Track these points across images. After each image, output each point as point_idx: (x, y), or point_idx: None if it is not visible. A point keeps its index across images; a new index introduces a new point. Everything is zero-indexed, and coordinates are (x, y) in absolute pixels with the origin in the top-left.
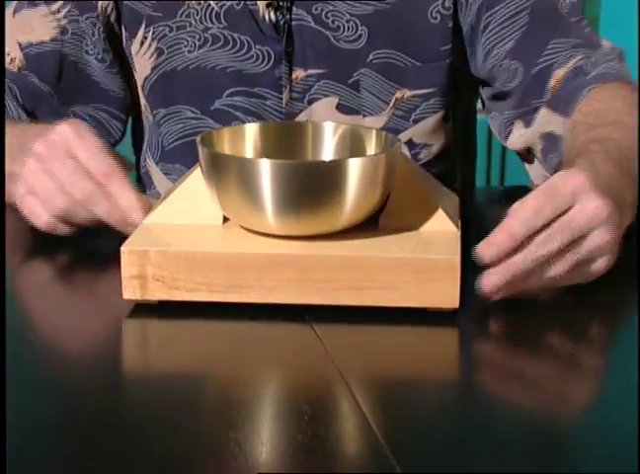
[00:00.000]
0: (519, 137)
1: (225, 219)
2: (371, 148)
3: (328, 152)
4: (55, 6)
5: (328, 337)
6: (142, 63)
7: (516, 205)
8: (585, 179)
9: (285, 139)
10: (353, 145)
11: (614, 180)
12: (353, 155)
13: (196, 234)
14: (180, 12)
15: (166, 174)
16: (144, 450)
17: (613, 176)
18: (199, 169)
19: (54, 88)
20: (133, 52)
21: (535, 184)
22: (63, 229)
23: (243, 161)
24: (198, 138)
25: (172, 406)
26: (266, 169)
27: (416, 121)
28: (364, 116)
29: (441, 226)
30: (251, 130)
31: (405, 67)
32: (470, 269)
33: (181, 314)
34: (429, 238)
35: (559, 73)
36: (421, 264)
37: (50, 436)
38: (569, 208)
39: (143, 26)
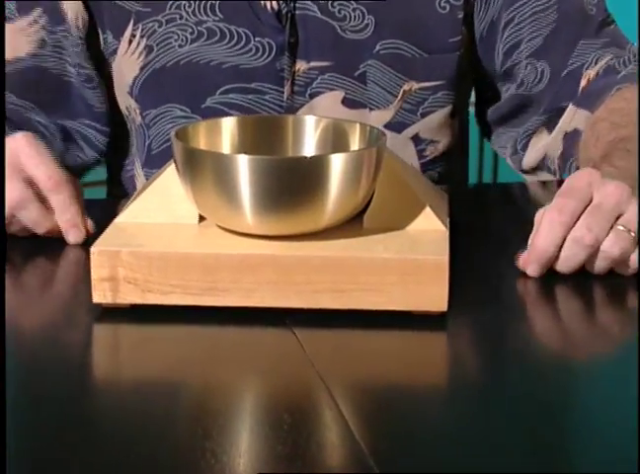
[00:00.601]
0: (537, 150)
1: (201, 218)
2: (355, 143)
3: (309, 147)
4: (33, 16)
5: (309, 342)
6: (130, 63)
7: (539, 216)
8: (596, 172)
9: (265, 134)
10: (335, 140)
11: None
12: (335, 150)
13: (170, 234)
14: (169, 4)
15: (147, 176)
16: (114, 461)
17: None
18: (173, 165)
19: (37, 103)
20: (120, 53)
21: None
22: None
23: (219, 156)
24: (172, 132)
25: (144, 415)
26: (243, 165)
27: (423, 115)
28: (371, 109)
29: (429, 225)
30: (229, 124)
31: (413, 58)
32: (459, 269)
33: (154, 318)
34: (416, 237)
35: (590, 73)
36: (407, 264)
37: (15, 447)
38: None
39: (131, 23)
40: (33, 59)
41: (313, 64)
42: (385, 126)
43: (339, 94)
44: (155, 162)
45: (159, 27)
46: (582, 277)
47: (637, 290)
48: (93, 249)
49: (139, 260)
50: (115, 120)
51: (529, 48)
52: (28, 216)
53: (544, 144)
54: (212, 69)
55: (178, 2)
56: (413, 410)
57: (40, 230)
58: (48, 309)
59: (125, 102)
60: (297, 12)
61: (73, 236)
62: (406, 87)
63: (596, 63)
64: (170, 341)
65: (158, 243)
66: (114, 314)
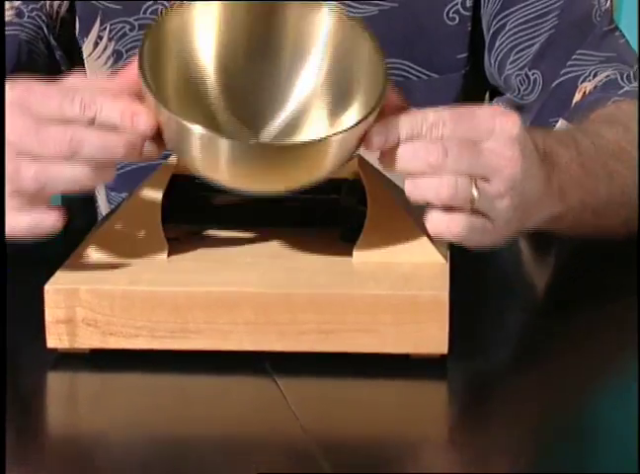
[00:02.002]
0: None
1: (171, 252)
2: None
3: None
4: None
5: (292, 390)
6: (96, 69)
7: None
8: (519, 130)
9: (248, 25)
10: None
11: (563, 161)
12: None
13: (135, 269)
14: (144, 8)
15: (110, 203)
16: None
17: (565, 160)
18: (140, 192)
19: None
20: (85, 55)
21: None
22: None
23: (196, 134)
24: (142, 37)
25: None
26: (224, 149)
27: None
28: None
29: (427, 257)
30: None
31: (414, 81)
32: (461, 307)
33: (117, 365)
34: (412, 271)
35: (587, 87)
36: (402, 302)
37: None
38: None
39: (98, 22)
40: (9, 28)
41: None
42: None
43: None
44: (122, 184)
45: (130, 30)
46: (593, 316)
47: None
48: (47, 287)
49: (100, 299)
50: None
51: (524, 57)
52: (92, 148)
53: None
54: None
55: (155, 6)
56: (410, 470)
57: (118, 151)
58: None
59: None
60: None
61: (143, 123)
62: None
63: (594, 76)
64: (135, 391)
65: (122, 279)
66: (71, 360)
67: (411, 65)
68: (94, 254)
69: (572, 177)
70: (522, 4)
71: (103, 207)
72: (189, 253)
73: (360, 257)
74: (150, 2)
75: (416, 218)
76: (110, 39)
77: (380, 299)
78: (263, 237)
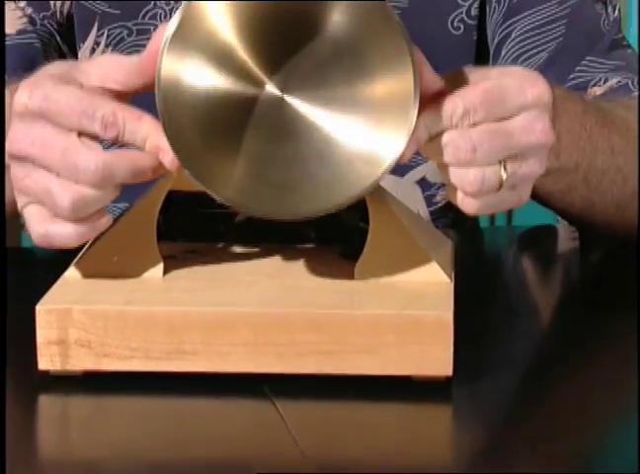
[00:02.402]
0: None
1: (166, 270)
2: None
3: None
4: (22, 3)
5: (291, 413)
6: None
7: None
8: (549, 98)
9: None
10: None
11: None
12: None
13: (130, 288)
14: (143, 12)
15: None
16: None
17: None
18: (136, 208)
19: None
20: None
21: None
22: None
23: None
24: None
25: None
26: None
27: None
28: None
29: (431, 276)
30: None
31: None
32: (466, 327)
33: (111, 388)
34: (415, 291)
35: (597, 91)
36: (405, 322)
37: None
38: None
39: (95, 28)
40: (19, 37)
41: None
42: None
43: None
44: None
45: (128, 35)
46: (599, 339)
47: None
48: (39, 307)
49: (94, 319)
50: None
51: (532, 65)
52: (124, 175)
53: None
54: None
55: (154, 10)
56: None
57: (147, 174)
58: None
59: None
60: None
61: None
62: None
63: (604, 82)
64: (129, 415)
65: (116, 299)
66: (63, 383)
67: None
68: (87, 272)
69: (571, 134)
70: (528, 12)
71: None
72: (185, 271)
73: (362, 275)
74: (149, 6)
75: (420, 236)
76: (107, 45)
77: (383, 319)
78: (261, 254)
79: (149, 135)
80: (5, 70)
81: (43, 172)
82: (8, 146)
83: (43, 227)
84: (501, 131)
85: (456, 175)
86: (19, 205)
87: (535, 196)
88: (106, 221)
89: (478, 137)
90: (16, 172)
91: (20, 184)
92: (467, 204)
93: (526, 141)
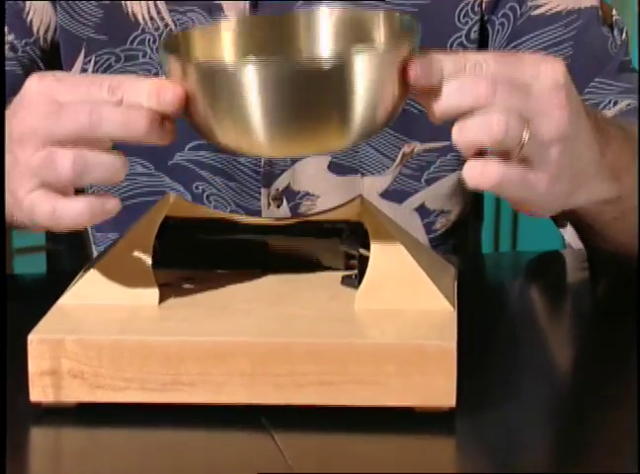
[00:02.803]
0: None
1: (162, 298)
2: (380, 35)
3: (328, 46)
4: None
5: (290, 446)
6: None
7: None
8: (564, 79)
9: (272, 36)
10: (356, 34)
11: (615, 141)
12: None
13: (124, 317)
14: (131, 37)
15: (96, 245)
16: None
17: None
18: (130, 234)
19: None
20: None
21: (572, 246)
22: (98, 160)
23: (220, 68)
24: (161, 44)
25: None
26: (251, 75)
27: (429, 182)
28: (363, 175)
29: (434, 304)
30: (229, 28)
31: (416, 114)
32: (470, 357)
33: (105, 420)
34: (418, 319)
35: (607, 114)
36: (408, 351)
37: None
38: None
39: (82, 54)
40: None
41: None
42: (382, 196)
43: (324, 158)
44: (109, 224)
45: (116, 61)
46: (604, 372)
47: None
48: (31, 337)
49: (87, 349)
50: None
51: None
52: (111, 121)
53: None
54: (180, 120)
55: (142, 36)
56: None
57: (140, 128)
58: None
59: None
60: None
61: (170, 95)
62: (406, 149)
63: (614, 105)
64: (124, 447)
65: (110, 328)
66: (56, 415)
67: (412, 97)
68: (80, 301)
69: (625, 157)
70: (534, 33)
71: (89, 250)
72: (181, 299)
73: (363, 303)
74: (137, 32)
75: (422, 262)
76: (94, 72)
77: (384, 349)
78: (259, 282)
79: (151, 84)
80: (5, 70)
81: (48, 143)
82: (14, 131)
83: (51, 205)
84: (518, 85)
85: (478, 122)
86: (21, 195)
87: (587, 226)
88: (115, 203)
89: (499, 78)
90: (18, 156)
91: (22, 168)
92: (489, 172)
93: (544, 106)
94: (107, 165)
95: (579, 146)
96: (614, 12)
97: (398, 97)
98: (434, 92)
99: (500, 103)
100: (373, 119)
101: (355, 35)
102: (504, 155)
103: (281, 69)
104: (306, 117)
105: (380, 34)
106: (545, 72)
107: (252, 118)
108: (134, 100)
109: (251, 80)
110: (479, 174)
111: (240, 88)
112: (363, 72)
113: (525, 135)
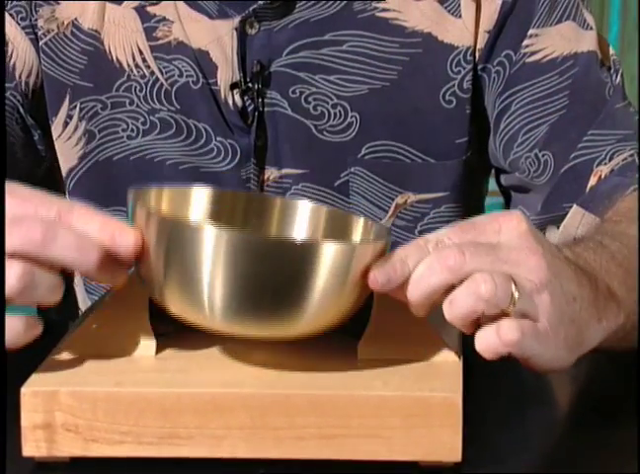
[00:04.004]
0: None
1: (159, 349)
2: (355, 237)
3: (298, 236)
4: None
5: None
6: (67, 151)
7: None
8: (527, 225)
9: (243, 214)
10: (331, 231)
11: (599, 267)
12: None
13: (120, 368)
14: (117, 84)
15: (89, 293)
16: None
17: (601, 265)
18: (127, 283)
19: None
20: (55, 136)
21: None
22: (43, 279)
23: (190, 228)
24: (129, 192)
25: None
26: (221, 242)
27: (423, 234)
28: None
29: (438, 355)
30: (200, 195)
31: (409, 164)
32: (476, 409)
33: None
34: (422, 370)
35: (603, 171)
36: (412, 404)
37: None
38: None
39: (67, 101)
40: None
41: (285, 172)
42: None
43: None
44: None
45: (102, 109)
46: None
47: None
48: (24, 389)
49: (81, 402)
50: None
51: (532, 139)
52: (65, 244)
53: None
54: (169, 169)
55: (128, 83)
56: None
57: (91, 256)
58: None
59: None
60: (266, 109)
61: (126, 240)
62: (400, 200)
63: (610, 159)
64: None
65: (105, 380)
66: (49, 470)
67: (405, 148)
68: (75, 352)
69: (617, 278)
70: (529, 82)
71: (81, 299)
72: (179, 350)
73: (366, 353)
74: (123, 79)
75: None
76: (80, 119)
77: (387, 401)
78: None
79: (105, 220)
80: (5, 73)
81: None
82: None
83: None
84: (485, 244)
85: (464, 290)
86: None
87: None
88: (23, 327)
89: (462, 244)
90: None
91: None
92: (505, 333)
93: (516, 256)
94: (51, 284)
95: (566, 284)
96: (612, 52)
97: (357, 296)
98: (406, 285)
99: (475, 266)
100: (326, 314)
101: (327, 231)
102: (500, 316)
103: (245, 242)
104: (258, 296)
105: (354, 235)
106: (506, 224)
107: (203, 284)
108: (83, 229)
109: (213, 245)
110: (496, 339)
111: (199, 250)
112: (324, 263)
113: (514, 289)
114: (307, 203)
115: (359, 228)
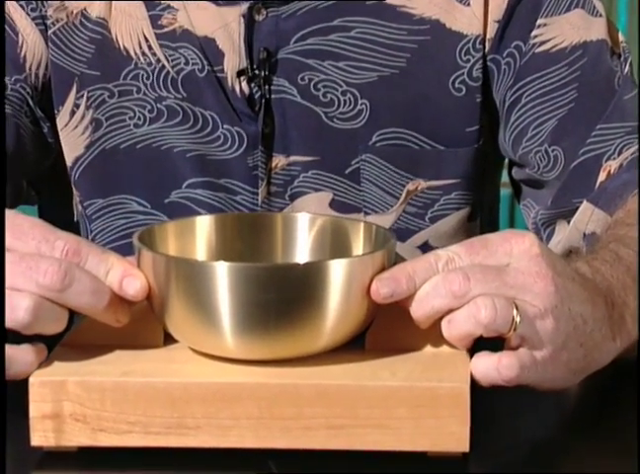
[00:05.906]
0: (557, 243)
1: (167, 338)
2: (358, 245)
3: (303, 252)
4: None
5: None
6: (73, 140)
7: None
8: (539, 248)
9: (248, 236)
10: (334, 242)
11: (616, 281)
12: (334, 255)
13: (128, 359)
14: (124, 72)
15: None
16: None
17: (617, 279)
18: None
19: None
20: (60, 125)
21: None
22: (53, 313)
23: (192, 265)
24: (134, 236)
25: None
26: (222, 275)
27: (433, 220)
28: (367, 214)
29: (446, 345)
30: (203, 225)
31: (420, 151)
32: (484, 399)
33: (107, 465)
34: (429, 361)
35: (612, 166)
36: (419, 394)
37: None
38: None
39: (74, 89)
40: None
41: (293, 159)
42: None
43: (326, 196)
44: None
45: (110, 97)
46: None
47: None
48: (32, 379)
49: (90, 392)
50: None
51: (542, 133)
52: (80, 290)
53: (565, 240)
54: (176, 157)
55: (135, 71)
56: None
57: (103, 301)
58: None
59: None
60: (273, 96)
61: (133, 285)
62: (410, 186)
63: (619, 154)
64: None
65: (113, 370)
66: (57, 459)
67: (415, 135)
68: (83, 342)
69: (632, 293)
70: (538, 74)
71: None
72: None
73: (373, 345)
74: (130, 67)
75: None
76: (87, 108)
77: (395, 391)
78: None
79: (114, 262)
80: (4, 75)
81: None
82: None
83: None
84: (493, 268)
85: (464, 313)
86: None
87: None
88: (30, 357)
89: (468, 269)
90: None
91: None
92: (505, 367)
93: (523, 281)
94: (59, 317)
95: (577, 307)
96: (622, 38)
97: (369, 308)
98: (412, 299)
99: (479, 291)
100: (339, 329)
101: (331, 242)
102: (499, 339)
103: (252, 272)
104: (265, 320)
105: (358, 244)
106: (518, 246)
107: (218, 317)
108: (95, 270)
109: (222, 280)
110: (495, 374)
111: (210, 286)
112: (330, 280)
113: (516, 314)
114: (307, 215)
115: (360, 235)
